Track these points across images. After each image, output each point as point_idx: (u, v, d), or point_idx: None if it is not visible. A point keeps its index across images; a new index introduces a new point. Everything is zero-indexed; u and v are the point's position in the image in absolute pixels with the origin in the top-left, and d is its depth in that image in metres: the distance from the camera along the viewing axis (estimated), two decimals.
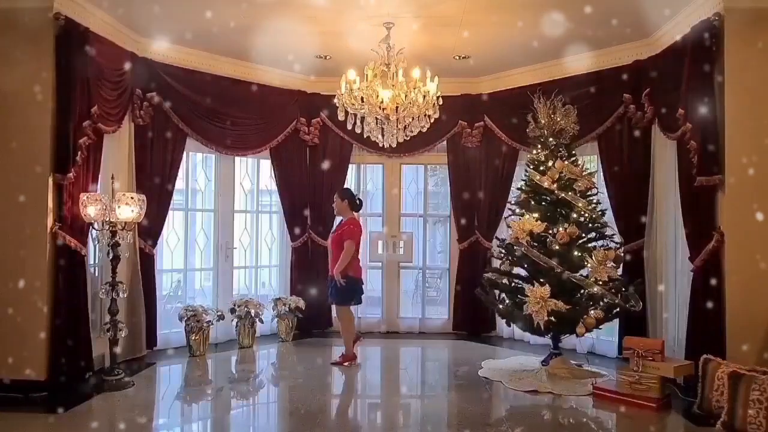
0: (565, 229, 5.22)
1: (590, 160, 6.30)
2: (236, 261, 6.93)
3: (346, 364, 5.73)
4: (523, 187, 5.68)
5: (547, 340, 5.57)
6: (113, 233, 4.86)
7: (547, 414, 4.53)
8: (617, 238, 5.57)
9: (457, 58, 6.27)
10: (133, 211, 4.85)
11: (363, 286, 5.87)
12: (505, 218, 6.35)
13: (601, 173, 6.04)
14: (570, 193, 5.32)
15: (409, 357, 6.80)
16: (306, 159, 7.17)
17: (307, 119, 7.03)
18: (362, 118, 5.10)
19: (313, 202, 7.13)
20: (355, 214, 5.89)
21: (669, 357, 4.78)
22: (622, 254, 5.46)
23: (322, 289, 7.02)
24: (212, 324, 6.15)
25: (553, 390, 4.90)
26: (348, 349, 5.78)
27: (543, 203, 5.51)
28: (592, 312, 5.04)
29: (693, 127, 4.66)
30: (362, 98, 4.95)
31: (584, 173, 5.47)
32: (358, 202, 5.90)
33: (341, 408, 4.97)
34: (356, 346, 5.83)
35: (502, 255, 5.67)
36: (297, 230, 7.04)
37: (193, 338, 5.97)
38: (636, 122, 5.74)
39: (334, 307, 6.16)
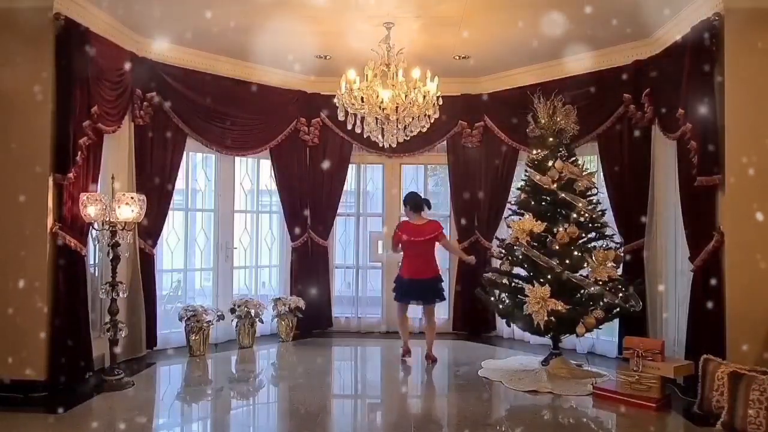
0: (565, 229, 5.22)
1: (590, 160, 6.31)
2: (236, 261, 6.93)
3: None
4: (523, 187, 5.68)
5: (547, 340, 5.58)
6: (113, 233, 4.86)
7: (547, 414, 4.53)
8: (617, 238, 5.58)
9: (457, 58, 6.27)
10: (133, 211, 4.84)
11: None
12: (505, 218, 6.35)
13: (601, 173, 6.03)
14: (570, 193, 5.33)
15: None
16: (306, 159, 7.15)
17: (307, 119, 7.02)
18: (362, 118, 5.09)
19: (313, 202, 7.12)
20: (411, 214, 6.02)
21: (669, 357, 4.78)
22: (622, 254, 5.46)
23: (322, 289, 7.04)
24: (212, 324, 6.15)
25: (553, 390, 4.90)
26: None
27: (543, 203, 5.51)
28: (592, 312, 5.04)
29: (693, 127, 4.65)
30: (362, 98, 4.95)
31: (584, 173, 5.48)
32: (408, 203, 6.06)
33: (341, 408, 4.97)
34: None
35: (502, 255, 5.67)
36: (297, 230, 7.02)
37: (193, 338, 5.97)
38: (636, 122, 5.74)
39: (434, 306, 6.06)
